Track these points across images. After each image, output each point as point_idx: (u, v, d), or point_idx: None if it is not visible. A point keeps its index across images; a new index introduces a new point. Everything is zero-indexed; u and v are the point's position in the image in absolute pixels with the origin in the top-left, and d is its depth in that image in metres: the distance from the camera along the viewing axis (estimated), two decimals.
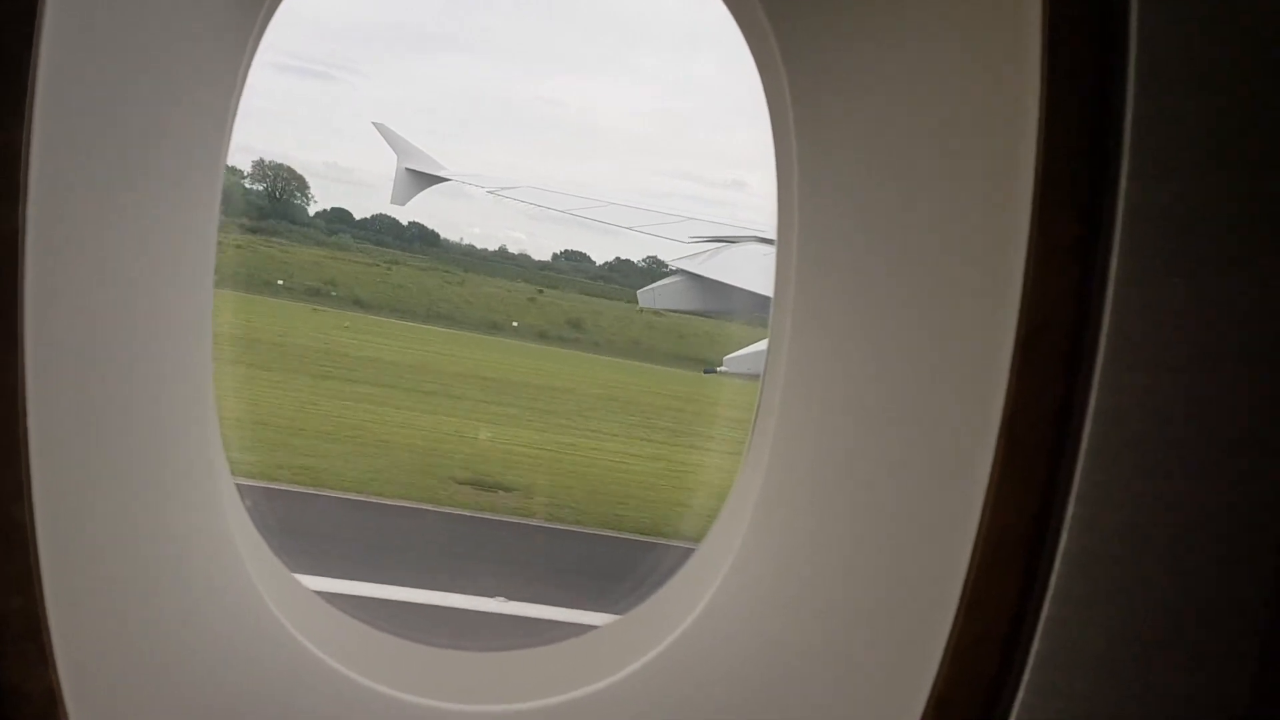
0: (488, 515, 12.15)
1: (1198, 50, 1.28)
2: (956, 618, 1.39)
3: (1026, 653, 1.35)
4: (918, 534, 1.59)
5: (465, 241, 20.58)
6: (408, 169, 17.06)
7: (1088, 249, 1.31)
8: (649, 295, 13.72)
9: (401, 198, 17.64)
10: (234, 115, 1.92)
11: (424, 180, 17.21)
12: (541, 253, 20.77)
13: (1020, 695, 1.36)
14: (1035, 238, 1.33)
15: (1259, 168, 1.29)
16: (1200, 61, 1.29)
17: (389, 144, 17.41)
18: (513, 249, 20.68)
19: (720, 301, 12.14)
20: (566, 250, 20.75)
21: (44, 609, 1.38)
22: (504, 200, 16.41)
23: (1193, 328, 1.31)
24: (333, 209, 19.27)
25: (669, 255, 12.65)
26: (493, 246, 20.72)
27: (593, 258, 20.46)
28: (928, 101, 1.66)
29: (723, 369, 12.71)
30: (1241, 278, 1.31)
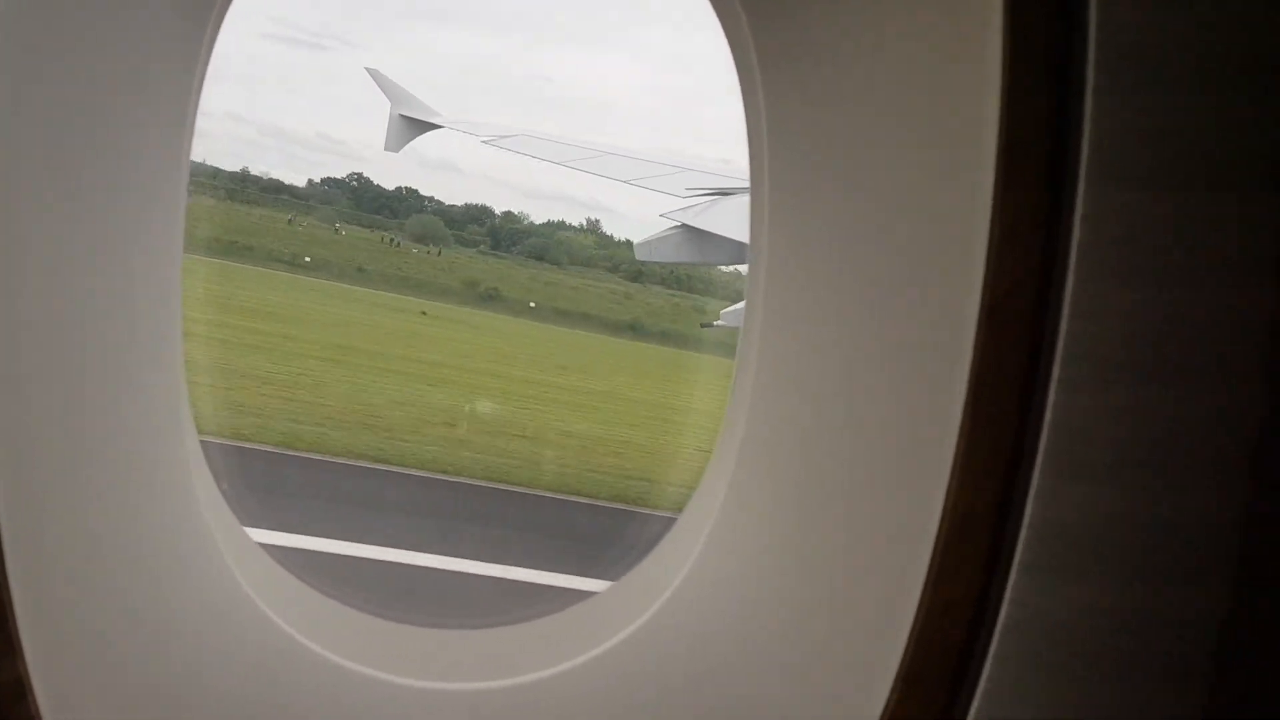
0: None
1: (1158, 24, 1.27)
2: (924, 590, 1.41)
3: (994, 623, 1.37)
4: (885, 505, 1.60)
5: (208, 163, 20.81)
6: (401, 115, 16.87)
7: (1051, 219, 1.31)
8: (645, 249, 13.66)
9: (395, 144, 17.47)
10: (201, 80, 1.87)
11: (418, 127, 17.03)
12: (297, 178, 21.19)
13: (988, 665, 1.38)
14: (999, 208, 1.33)
15: (1220, 138, 1.28)
16: (1161, 33, 1.27)
17: (382, 90, 17.19)
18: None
19: (716, 253, 12.09)
20: (327, 178, 21.36)
21: (10, 598, 1.37)
22: (498, 149, 16.25)
23: (1156, 295, 1.30)
24: None
25: (665, 206, 12.56)
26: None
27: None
28: (891, 69, 1.65)
29: (720, 323, 12.71)
30: (1207, 246, 1.30)
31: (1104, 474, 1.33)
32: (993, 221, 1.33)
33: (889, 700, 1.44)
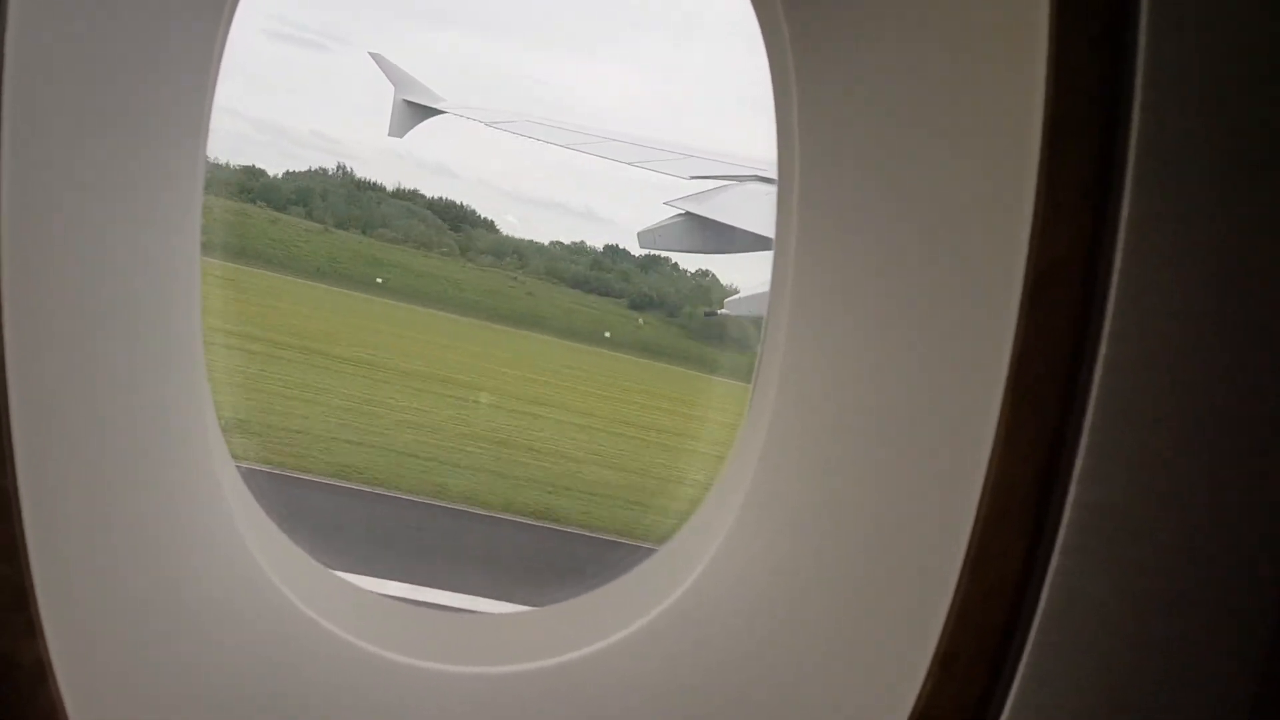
0: None
1: None
2: (963, 571, 1.37)
3: (1035, 605, 1.34)
4: (924, 486, 1.57)
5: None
6: (405, 100, 16.84)
7: (1098, 192, 1.27)
8: (649, 236, 13.61)
9: (399, 129, 17.44)
10: (215, 77, 1.85)
11: (421, 112, 17.00)
12: None
13: (1028, 648, 1.34)
14: (1044, 181, 1.29)
15: (1277, 110, 1.24)
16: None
17: (385, 74, 17.15)
18: None
19: (721, 242, 12.05)
20: None
21: (31, 578, 1.34)
22: (503, 131, 16.24)
23: (1206, 272, 1.27)
24: None
25: (671, 194, 12.51)
26: None
27: None
28: (932, 43, 1.61)
29: (724, 311, 12.69)
30: (1257, 221, 1.26)
31: (1150, 454, 1.29)
32: (1038, 195, 1.29)
33: (926, 681, 1.41)
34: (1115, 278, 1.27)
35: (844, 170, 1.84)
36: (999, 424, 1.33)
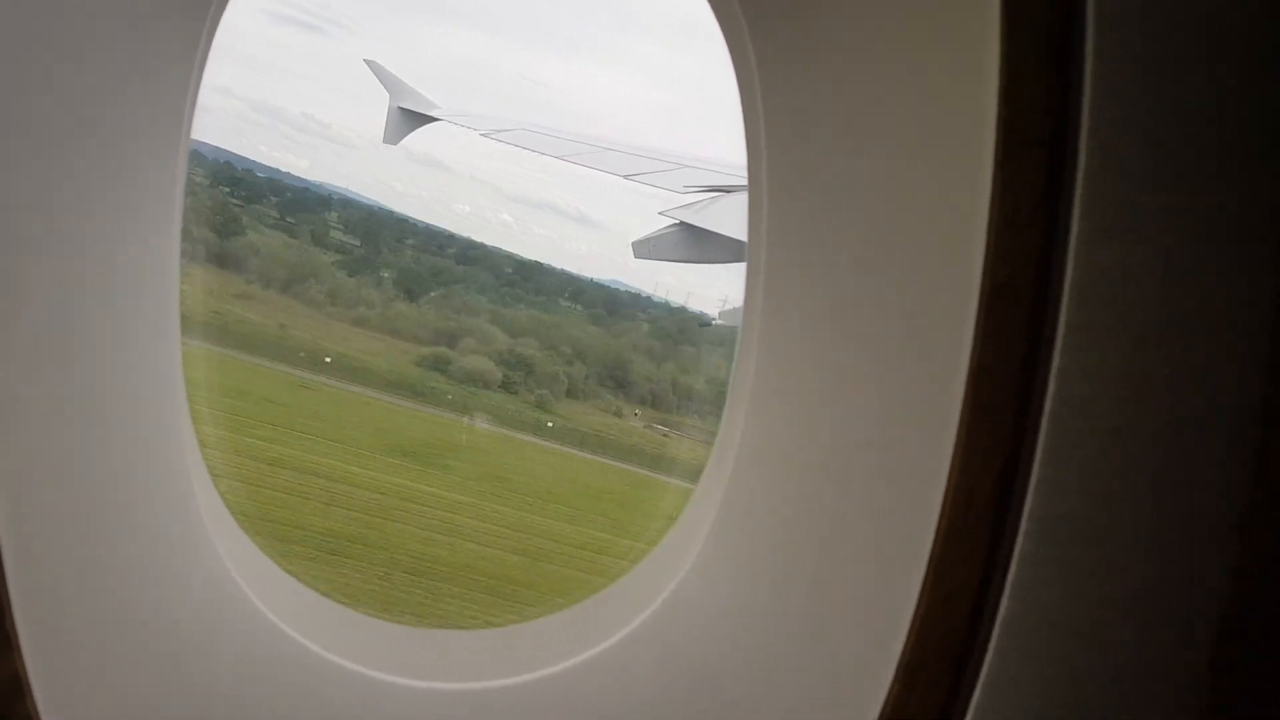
0: None
1: (1157, 6, 1.25)
2: (925, 580, 1.41)
3: (994, 612, 1.37)
4: (886, 498, 1.60)
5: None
6: (400, 107, 16.84)
7: (1050, 206, 1.30)
8: (644, 247, 13.59)
9: (394, 137, 17.43)
10: (203, 62, 1.85)
11: (416, 119, 17.00)
12: None
13: (989, 654, 1.37)
14: (998, 195, 1.32)
15: (1223, 125, 1.27)
16: (1160, 15, 1.25)
17: (381, 81, 17.14)
18: None
19: (717, 252, 12.05)
20: None
21: (8, 594, 1.34)
22: (496, 142, 16.23)
23: (1157, 284, 1.29)
24: None
25: (666, 204, 12.49)
26: None
27: None
28: (888, 59, 1.64)
29: (719, 321, 12.70)
30: (1206, 233, 1.28)
31: (1103, 465, 1.32)
32: (991, 209, 1.33)
33: (891, 690, 1.44)
34: (1067, 290, 1.30)
35: (807, 188, 1.89)
36: (958, 434, 1.37)
